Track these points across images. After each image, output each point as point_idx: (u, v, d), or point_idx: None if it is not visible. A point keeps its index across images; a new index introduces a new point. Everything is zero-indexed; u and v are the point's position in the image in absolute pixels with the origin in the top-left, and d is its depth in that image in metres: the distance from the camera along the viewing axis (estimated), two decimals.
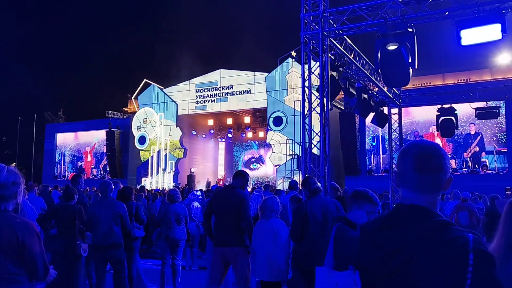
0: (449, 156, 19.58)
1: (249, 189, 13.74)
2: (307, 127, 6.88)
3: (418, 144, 1.51)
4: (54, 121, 38.79)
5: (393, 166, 11.16)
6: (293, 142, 21.66)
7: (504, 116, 18.89)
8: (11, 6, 57.01)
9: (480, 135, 19.14)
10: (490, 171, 18.88)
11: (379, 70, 6.49)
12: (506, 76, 22.73)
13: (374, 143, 22.07)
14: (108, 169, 28.33)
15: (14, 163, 34.26)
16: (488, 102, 14.68)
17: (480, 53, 24.16)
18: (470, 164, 19.21)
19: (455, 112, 12.06)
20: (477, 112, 13.53)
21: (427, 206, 1.44)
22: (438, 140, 20.01)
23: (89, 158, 30.03)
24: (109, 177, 27.22)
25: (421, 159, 1.45)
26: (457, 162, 19.70)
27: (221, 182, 26.78)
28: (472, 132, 19.33)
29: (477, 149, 19.20)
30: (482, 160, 18.98)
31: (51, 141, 31.46)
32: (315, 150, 6.91)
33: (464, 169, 19.36)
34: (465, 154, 19.43)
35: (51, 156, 31.24)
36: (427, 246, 1.36)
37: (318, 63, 6.83)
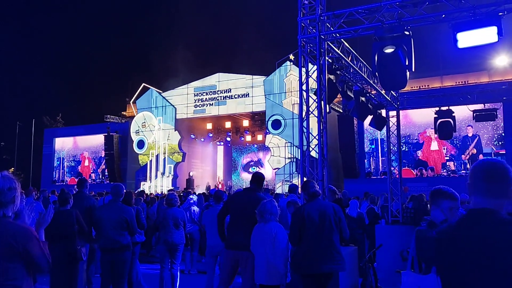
0: (447, 158, 19.58)
1: None
2: (305, 130, 6.89)
3: (487, 160, 1.91)
4: (53, 125, 38.77)
5: (392, 168, 11.17)
6: (292, 145, 21.68)
7: (502, 118, 18.98)
8: (9, 11, 57.13)
9: (478, 137, 19.29)
10: None
11: (376, 73, 6.50)
12: (504, 78, 22.80)
13: (373, 146, 22.11)
14: (106, 174, 28.32)
15: (13, 168, 34.23)
16: (486, 104, 14.72)
17: (478, 55, 24.24)
18: (468, 166, 19.35)
19: (453, 114, 12.08)
20: (475, 114, 13.56)
21: (495, 208, 1.79)
22: (435, 143, 20.17)
23: (86, 163, 30.02)
24: (108, 182, 27.24)
25: (489, 171, 1.84)
26: (455, 164, 19.89)
27: (220, 185, 26.79)
28: (470, 134, 19.45)
29: (474, 151, 19.34)
30: None
31: (50, 145, 31.42)
32: (313, 153, 6.92)
33: (462, 171, 19.48)
34: (463, 156, 19.61)
35: (50, 161, 31.21)
36: (497, 236, 1.72)
37: (315, 66, 6.84)
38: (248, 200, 5.14)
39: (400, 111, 11.35)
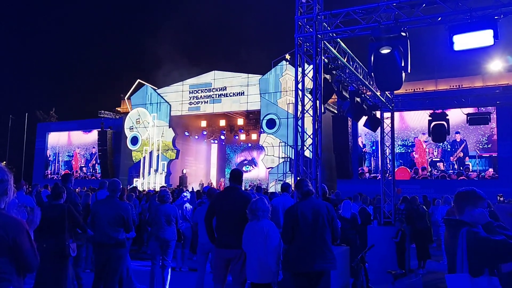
0: (438, 159, 20.81)
1: None
2: (299, 129, 6.88)
3: None
4: (46, 120, 38.48)
5: (385, 169, 11.19)
6: (286, 144, 21.70)
7: (495, 122, 19.34)
8: (4, 6, 56.60)
9: (464, 143, 20.87)
10: (472, 172, 20.67)
11: (372, 74, 6.50)
12: (497, 83, 23.01)
13: (374, 147, 22.44)
14: (96, 168, 28.40)
15: (4, 162, 33.93)
16: (479, 108, 14.82)
17: (472, 60, 24.50)
18: (455, 166, 21.09)
19: (447, 117, 12.13)
20: (468, 117, 13.62)
21: None
22: (423, 146, 21.23)
23: (79, 157, 30.00)
24: (99, 176, 27.16)
25: None
26: (445, 165, 21.27)
27: (223, 184, 26.81)
28: (458, 140, 20.94)
29: (461, 154, 20.95)
30: (466, 163, 20.86)
31: (42, 140, 31.23)
32: (307, 153, 6.91)
33: (450, 171, 21.12)
34: (451, 158, 21.18)
35: (42, 155, 31.03)
36: None
37: (311, 66, 6.83)
38: (233, 198, 5.12)
39: (397, 116, 11.39)
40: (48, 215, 5.37)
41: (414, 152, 21.77)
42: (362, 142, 22.86)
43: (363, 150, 22.84)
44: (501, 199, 12.37)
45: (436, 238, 13.21)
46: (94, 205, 5.98)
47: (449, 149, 21.04)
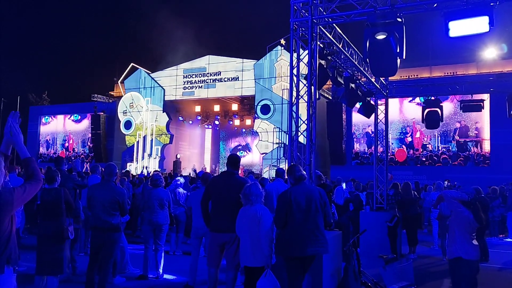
0: (427, 142, 21.85)
1: None
2: (294, 115, 6.86)
3: None
4: (38, 103, 38.14)
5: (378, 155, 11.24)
6: (280, 130, 21.71)
7: (489, 109, 19.49)
8: None
9: (458, 128, 21.90)
10: (458, 155, 21.66)
11: (367, 60, 6.47)
12: (491, 70, 23.07)
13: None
14: (88, 151, 28.31)
15: None
16: (473, 95, 14.86)
17: (467, 47, 24.53)
18: (440, 147, 22.18)
19: (441, 104, 12.17)
20: (462, 104, 13.68)
21: None
22: (418, 132, 22.03)
23: (71, 141, 29.92)
24: (93, 161, 27.11)
25: None
26: (432, 146, 22.28)
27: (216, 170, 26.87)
28: (458, 126, 21.79)
29: (458, 138, 21.99)
30: (456, 147, 21.93)
31: (35, 123, 31.01)
32: (301, 139, 6.91)
33: (438, 151, 22.14)
34: (453, 141, 22.10)
35: (35, 138, 30.82)
36: None
37: (306, 51, 6.78)
38: (228, 183, 5.15)
39: (396, 102, 11.39)
40: (44, 198, 5.38)
41: (408, 135, 22.60)
42: (371, 130, 23.20)
43: (371, 136, 23.18)
44: (456, 184, 12.71)
45: (427, 224, 13.39)
46: (90, 189, 5.97)
47: (453, 134, 22.02)
